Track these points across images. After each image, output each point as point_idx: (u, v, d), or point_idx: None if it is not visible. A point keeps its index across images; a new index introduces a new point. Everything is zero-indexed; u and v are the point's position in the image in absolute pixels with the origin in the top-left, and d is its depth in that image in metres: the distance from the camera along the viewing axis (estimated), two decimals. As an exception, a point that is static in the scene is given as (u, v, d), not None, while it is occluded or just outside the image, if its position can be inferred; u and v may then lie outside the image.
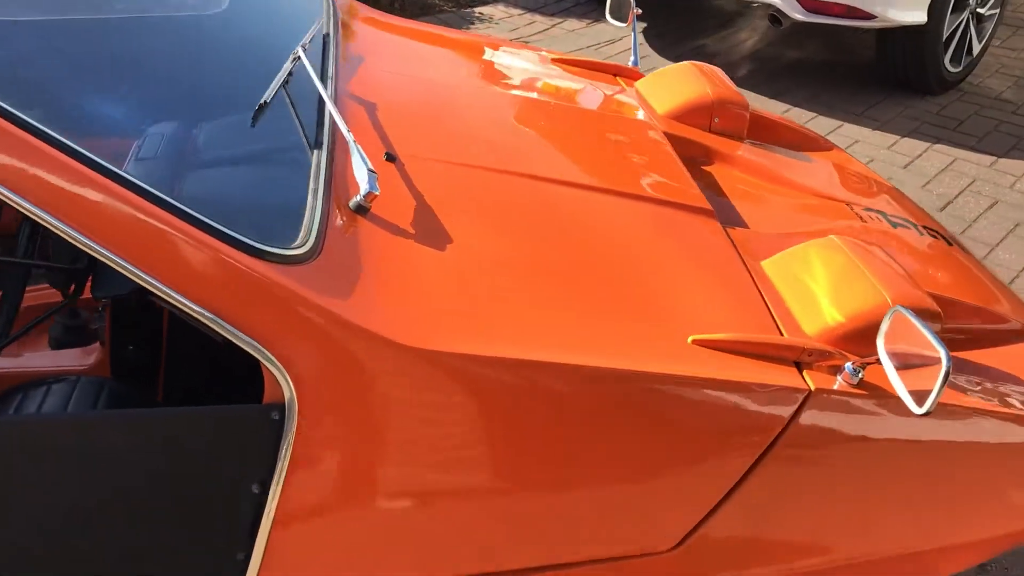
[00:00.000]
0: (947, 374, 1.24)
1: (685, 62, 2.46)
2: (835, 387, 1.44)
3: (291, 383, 1.19)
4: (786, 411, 1.40)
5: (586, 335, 1.37)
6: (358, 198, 1.43)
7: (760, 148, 2.31)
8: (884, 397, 1.45)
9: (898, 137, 4.40)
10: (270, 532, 1.25)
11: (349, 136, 1.49)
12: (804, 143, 2.56)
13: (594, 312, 1.43)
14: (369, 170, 1.44)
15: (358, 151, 1.46)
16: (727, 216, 1.95)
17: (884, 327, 1.37)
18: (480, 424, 1.28)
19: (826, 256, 1.65)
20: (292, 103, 1.66)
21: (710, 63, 2.51)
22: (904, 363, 1.33)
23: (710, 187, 2.07)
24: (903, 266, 1.84)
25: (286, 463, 1.22)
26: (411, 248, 1.42)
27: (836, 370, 1.46)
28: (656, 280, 1.55)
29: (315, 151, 1.52)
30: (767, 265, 1.70)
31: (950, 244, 2.15)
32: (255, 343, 1.16)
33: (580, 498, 1.37)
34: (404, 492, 1.28)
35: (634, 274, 1.55)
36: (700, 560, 1.45)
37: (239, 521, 1.26)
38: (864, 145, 4.31)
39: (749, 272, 1.65)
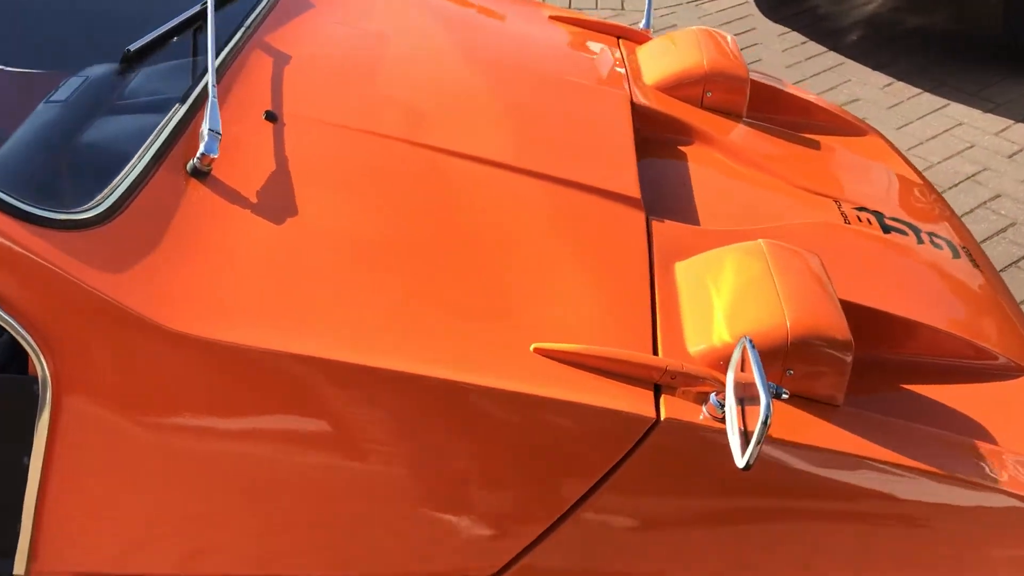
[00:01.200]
0: (764, 424, 1.04)
1: (695, 27, 2.23)
2: (699, 418, 1.25)
3: (43, 359, 1.11)
4: (626, 441, 1.23)
5: (409, 332, 1.24)
6: (194, 160, 1.33)
7: (759, 129, 2.07)
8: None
9: (1011, 122, 3.94)
10: (36, 508, 1.19)
11: (212, 90, 1.39)
12: (835, 127, 2.30)
13: (433, 306, 1.29)
14: (211, 130, 1.34)
15: (211, 107, 1.36)
16: (678, 206, 1.75)
17: (734, 358, 1.17)
18: (257, 420, 1.18)
19: (741, 264, 1.44)
20: (194, 52, 1.58)
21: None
22: (746, 401, 1.13)
23: (675, 171, 1.87)
24: (865, 279, 1.62)
25: (44, 438, 1.15)
26: (242, 220, 1.31)
27: (705, 399, 1.27)
28: (528, 275, 1.39)
29: (176, 106, 1.43)
30: (680, 268, 1.50)
31: (956, 257, 1.86)
32: (0, 312, 1.09)
33: (381, 508, 1.24)
34: (173, 481, 1.19)
35: (503, 266, 1.39)
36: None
37: (13, 494, 1.20)
38: (967, 128, 3.88)
39: (651, 275, 1.46)
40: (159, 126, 1.37)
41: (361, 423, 1.20)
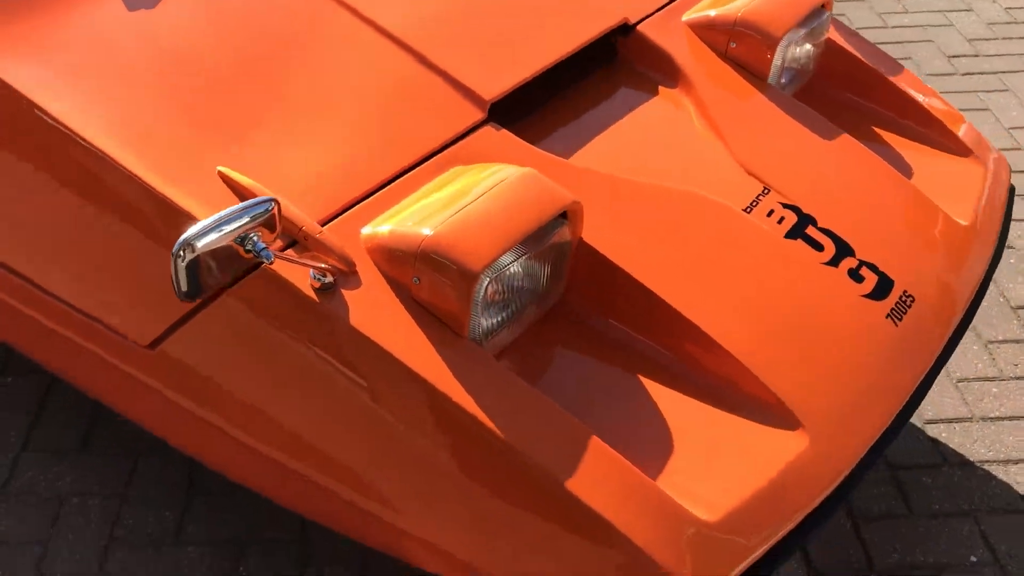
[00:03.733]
0: (173, 254, 1.13)
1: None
2: (311, 282, 1.31)
3: None
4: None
5: (135, 117, 1.44)
6: None
7: (770, 97, 1.84)
8: (328, 314, 1.30)
9: None
10: None
11: None
12: (925, 135, 1.96)
13: (180, 110, 1.47)
14: None
15: None
16: (579, 135, 1.70)
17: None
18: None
19: (483, 178, 1.41)
20: None
21: None
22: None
23: (622, 105, 1.78)
24: (695, 267, 1.51)
25: None
26: None
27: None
28: (300, 119, 1.50)
29: None
30: (455, 169, 1.50)
31: (876, 298, 1.55)
32: None
33: (56, 251, 1.53)
34: None
35: (286, 104, 1.52)
36: (169, 372, 1.48)
37: None
38: None
39: (418, 163, 1.49)
40: None
41: (36, 170, 1.47)
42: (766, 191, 1.65)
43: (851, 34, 2.08)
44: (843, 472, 1.38)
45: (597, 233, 1.50)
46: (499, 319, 1.38)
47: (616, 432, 1.34)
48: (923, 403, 2.30)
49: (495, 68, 1.67)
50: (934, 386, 2.35)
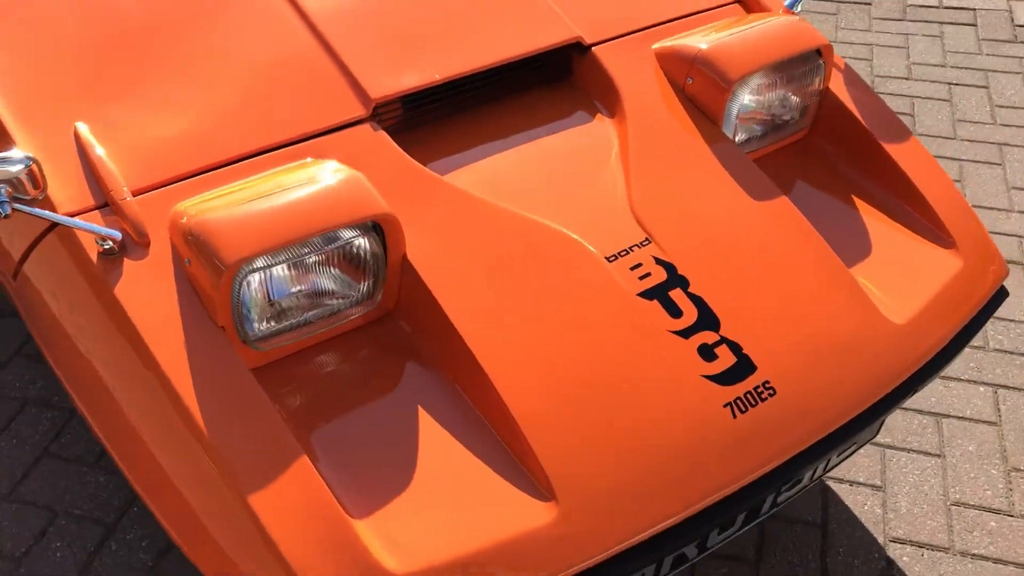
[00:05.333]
0: None
1: (789, 16, 1.78)
2: (97, 245, 1.35)
3: None
4: (37, 228, 1.42)
5: (39, 59, 1.54)
6: None
7: (707, 144, 1.66)
8: (99, 278, 1.33)
9: None
10: None
11: None
12: (909, 218, 1.71)
13: (76, 62, 1.55)
14: None
15: None
16: (471, 154, 1.63)
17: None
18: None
19: (311, 175, 1.38)
20: None
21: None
22: None
23: (543, 129, 1.69)
24: (524, 309, 1.41)
25: None
26: None
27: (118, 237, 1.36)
28: (187, 83, 1.54)
29: None
30: (313, 161, 1.48)
31: (722, 383, 1.37)
32: None
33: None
34: None
35: (186, 66, 1.57)
36: (24, 303, 1.57)
37: None
38: None
39: (285, 143, 1.50)
40: None
41: None
42: (645, 242, 1.50)
43: (860, 90, 1.83)
44: (585, 561, 1.25)
45: (426, 255, 1.43)
46: (278, 320, 1.35)
47: (353, 464, 1.28)
48: (894, 518, 2.02)
49: (399, 68, 1.63)
50: (916, 503, 2.05)
